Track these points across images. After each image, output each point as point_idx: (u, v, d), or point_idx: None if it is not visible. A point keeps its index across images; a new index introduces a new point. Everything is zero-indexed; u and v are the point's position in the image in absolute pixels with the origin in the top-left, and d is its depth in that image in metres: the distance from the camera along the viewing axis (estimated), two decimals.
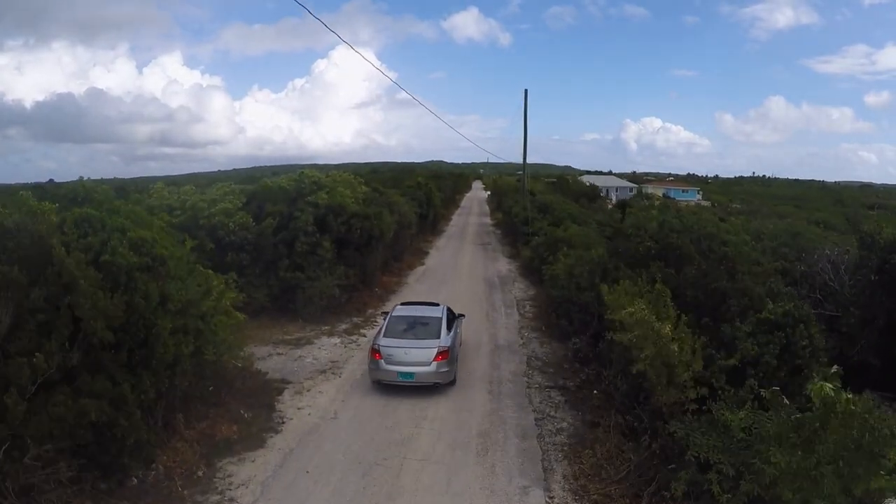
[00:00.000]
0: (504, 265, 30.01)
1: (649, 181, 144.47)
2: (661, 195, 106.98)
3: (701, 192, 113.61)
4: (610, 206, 48.71)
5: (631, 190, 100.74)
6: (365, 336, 16.93)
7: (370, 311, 19.83)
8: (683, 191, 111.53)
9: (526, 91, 36.24)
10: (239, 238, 18.85)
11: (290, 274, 18.58)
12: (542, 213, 32.67)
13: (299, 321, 18.43)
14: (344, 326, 17.97)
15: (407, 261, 29.44)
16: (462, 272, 27.54)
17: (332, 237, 19.12)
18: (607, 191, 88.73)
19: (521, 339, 17.24)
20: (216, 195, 20.87)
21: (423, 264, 29.67)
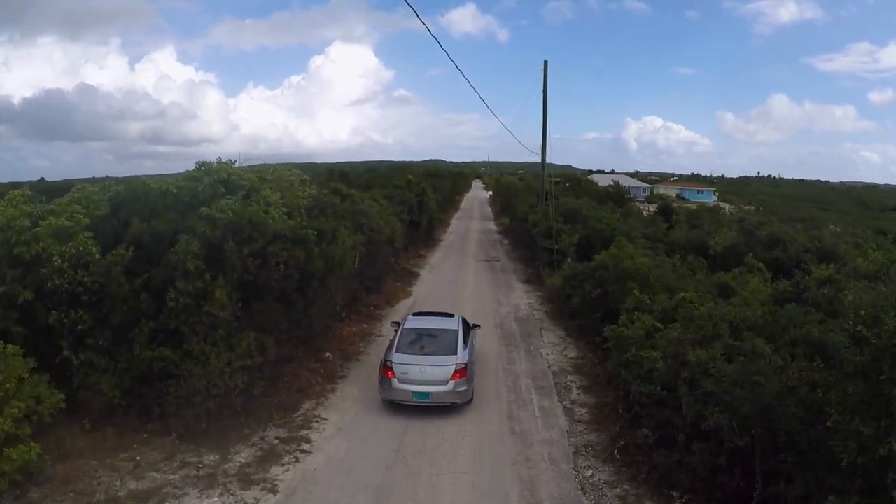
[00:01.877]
0: (521, 296, 21.44)
1: (655, 181, 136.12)
2: (674, 196, 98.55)
3: (717, 193, 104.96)
4: (644, 211, 40.12)
5: (644, 190, 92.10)
6: (279, 482, 8.38)
7: (306, 405, 11.24)
8: (699, 191, 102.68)
9: (546, 63, 27.78)
10: (72, 281, 10.44)
11: (149, 352, 10.07)
12: (569, 221, 24.12)
13: (172, 435, 10.00)
14: (245, 455, 9.42)
15: (388, 290, 20.87)
16: (464, 311, 18.91)
17: (231, 281, 10.53)
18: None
19: (584, 491, 8.65)
20: (60, 205, 12.58)
21: (409, 295, 21.08)
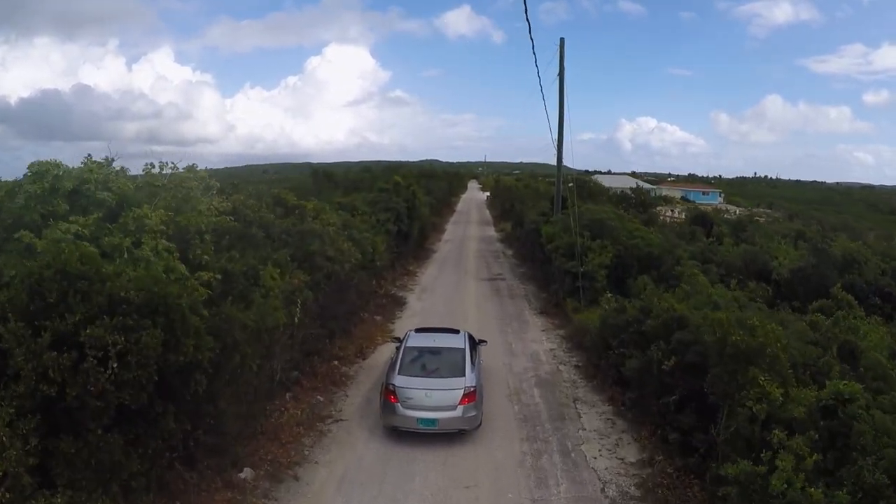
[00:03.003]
0: (539, 336, 16.22)
1: (652, 182, 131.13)
2: (679, 197, 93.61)
3: (722, 195, 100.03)
4: (667, 218, 34.88)
5: (648, 192, 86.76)
6: None
7: None
8: (704, 193, 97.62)
9: (562, 41, 22.47)
10: None
11: None
12: (595, 236, 18.86)
13: None
14: None
15: (361, 332, 15.57)
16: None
17: (18, 397, 5.26)
18: (620, 190, 74.41)
19: None
20: None
21: (389, 338, 15.83)
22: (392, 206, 24.17)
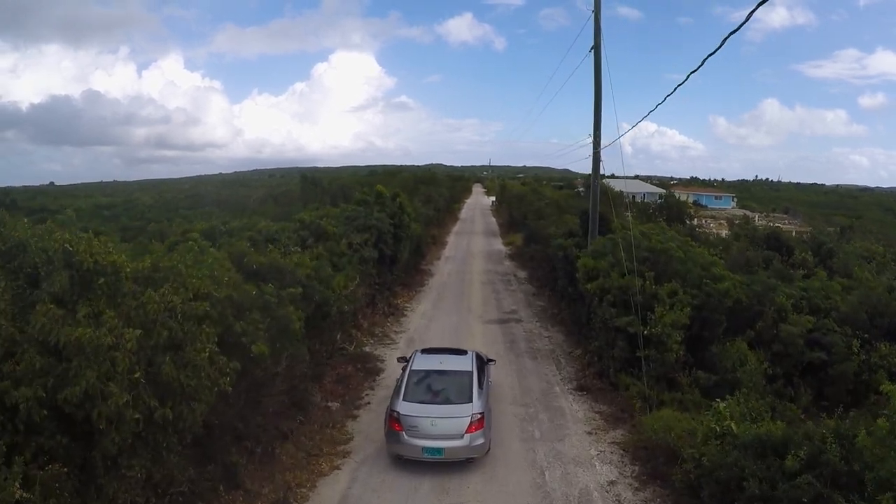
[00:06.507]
0: (583, 446, 9.71)
1: (655, 185, 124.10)
2: (691, 202, 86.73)
3: (735, 199, 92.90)
4: (717, 232, 28.16)
5: (659, 197, 79.96)
6: None
7: None
8: (716, 197, 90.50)
9: None
10: None
11: None
12: (659, 276, 12.31)
13: None
14: None
15: (289, 458, 9.11)
16: None
17: None
18: (633, 197, 67.70)
19: None
20: None
21: (346, 449, 9.38)
22: (371, 225, 17.76)
